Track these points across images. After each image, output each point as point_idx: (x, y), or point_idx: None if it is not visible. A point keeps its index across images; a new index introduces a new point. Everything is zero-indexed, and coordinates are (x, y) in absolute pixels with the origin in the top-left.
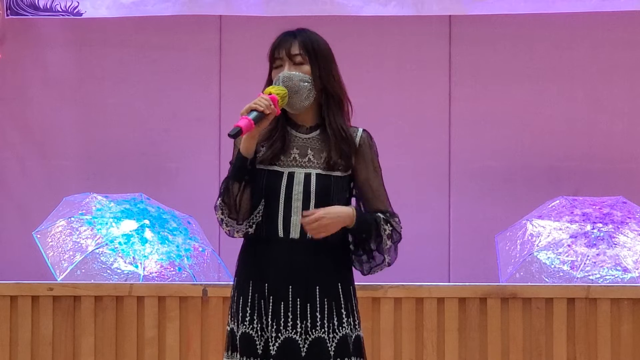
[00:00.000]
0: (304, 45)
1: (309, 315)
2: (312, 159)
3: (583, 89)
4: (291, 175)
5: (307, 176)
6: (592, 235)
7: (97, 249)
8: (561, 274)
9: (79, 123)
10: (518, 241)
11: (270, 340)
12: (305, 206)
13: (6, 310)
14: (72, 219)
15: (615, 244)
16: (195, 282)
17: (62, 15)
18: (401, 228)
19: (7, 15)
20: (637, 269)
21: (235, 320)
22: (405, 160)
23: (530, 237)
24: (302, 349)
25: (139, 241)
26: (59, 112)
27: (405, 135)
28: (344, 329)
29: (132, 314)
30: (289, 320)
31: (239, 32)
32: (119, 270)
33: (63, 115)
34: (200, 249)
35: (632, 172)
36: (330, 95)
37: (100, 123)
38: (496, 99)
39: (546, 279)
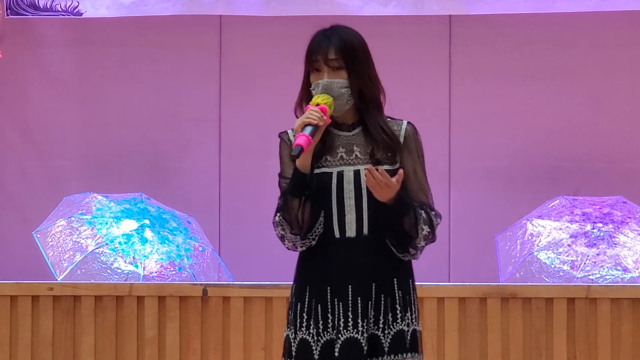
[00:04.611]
0: (340, 50)
1: (368, 313)
2: (359, 156)
3: (583, 89)
4: (340, 174)
5: (357, 173)
6: (592, 235)
7: (97, 248)
8: (561, 273)
9: (78, 123)
10: (518, 241)
11: (335, 342)
12: (358, 203)
13: (6, 310)
14: (72, 218)
15: (616, 244)
16: (195, 282)
17: (62, 15)
18: (438, 224)
19: (7, 15)
20: (637, 268)
21: (293, 327)
22: None
23: (530, 237)
24: (364, 347)
25: (139, 241)
26: (59, 112)
27: None
28: (398, 324)
29: (132, 313)
30: (349, 320)
31: (239, 32)
32: (119, 270)
33: (63, 115)
34: (201, 248)
35: (632, 172)
36: (367, 97)
37: (100, 123)
38: (496, 99)
39: (546, 279)
